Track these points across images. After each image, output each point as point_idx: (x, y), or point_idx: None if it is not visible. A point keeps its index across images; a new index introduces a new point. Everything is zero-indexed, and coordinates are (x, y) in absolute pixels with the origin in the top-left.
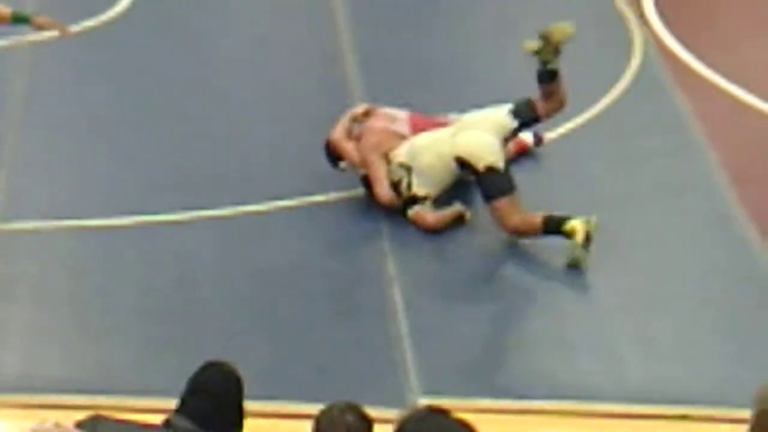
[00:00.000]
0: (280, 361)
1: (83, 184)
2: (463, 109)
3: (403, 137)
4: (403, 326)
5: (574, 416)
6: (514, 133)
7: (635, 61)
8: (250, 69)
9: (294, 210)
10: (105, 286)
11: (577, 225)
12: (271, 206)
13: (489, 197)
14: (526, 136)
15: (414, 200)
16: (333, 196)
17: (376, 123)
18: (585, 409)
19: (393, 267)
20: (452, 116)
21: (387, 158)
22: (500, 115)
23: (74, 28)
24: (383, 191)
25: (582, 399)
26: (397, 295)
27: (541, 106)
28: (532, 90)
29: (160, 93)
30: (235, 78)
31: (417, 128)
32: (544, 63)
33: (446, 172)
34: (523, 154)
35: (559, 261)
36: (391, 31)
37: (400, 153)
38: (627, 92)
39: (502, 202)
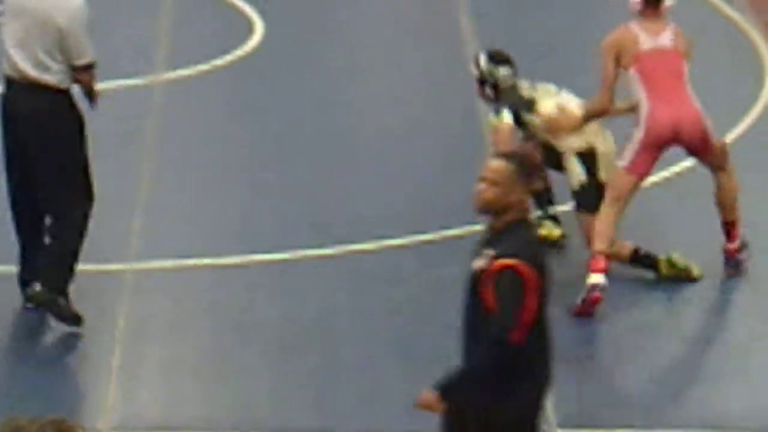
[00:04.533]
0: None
1: (218, 221)
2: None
3: None
4: None
5: None
6: None
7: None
8: (379, 104)
9: (431, 244)
10: (242, 323)
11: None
12: (410, 240)
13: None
14: None
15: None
16: (470, 229)
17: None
18: None
19: None
20: None
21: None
22: None
23: (206, 67)
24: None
25: (719, 429)
26: None
27: None
28: None
29: (293, 129)
30: (366, 113)
31: None
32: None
33: None
34: None
35: (682, 290)
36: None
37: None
38: (761, 119)
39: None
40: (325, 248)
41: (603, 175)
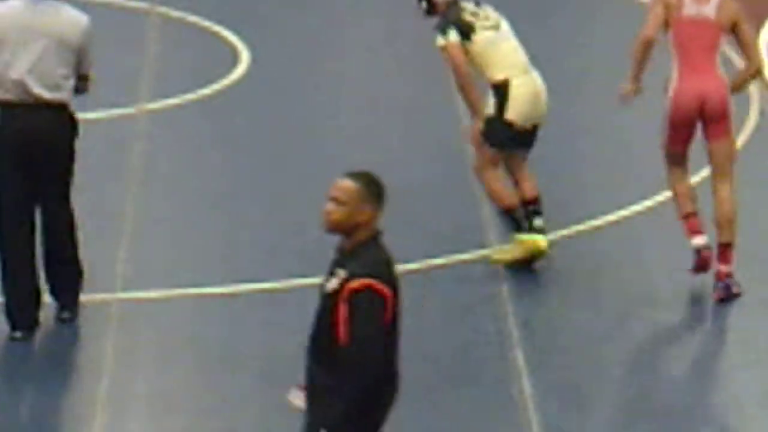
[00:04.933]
0: (401, 425)
1: (204, 251)
2: None
3: None
4: (527, 387)
5: None
6: None
7: (753, 114)
8: (365, 134)
9: (414, 273)
10: (227, 353)
11: (538, 245)
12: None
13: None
14: None
15: None
16: (453, 258)
17: None
18: None
19: (514, 329)
20: None
21: None
22: None
23: (191, 96)
24: None
25: None
26: (520, 357)
27: None
28: None
29: (279, 159)
30: (350, 142)
31: None
32: None
33: None
34: None
35: (682, 312)
36: None
37: None
38: (747, 146)
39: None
40: (308, 277)
41: (511, 114)
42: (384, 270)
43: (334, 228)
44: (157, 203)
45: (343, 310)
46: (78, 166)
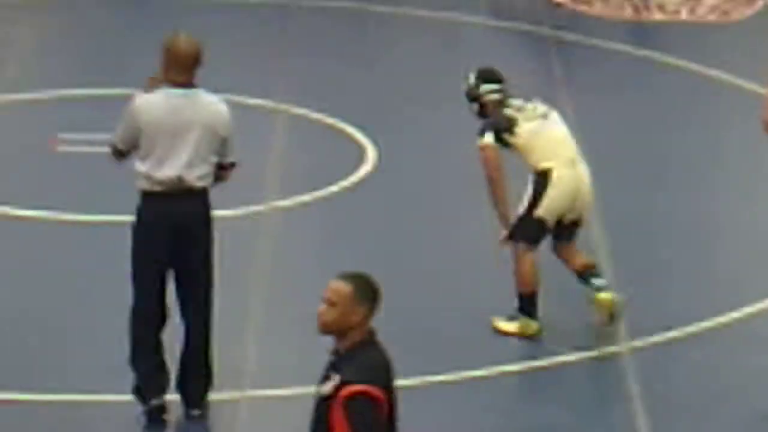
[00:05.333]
0: None
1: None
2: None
3: None
4: None
5: None
6: None
7: None
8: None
9: (544, 370)
10: None
11: (603, 300)
12: (525, 366)
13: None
14: None
15: None
16: (581, 355)
17: None
18: None
19: (645, 428)
20: None
21: None
22: None
23: (319, 193)
24: None
25: None
26: None
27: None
28: None
29: (403, 256)
30: (475, 238)
31: None
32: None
33: None
34: None
35: None
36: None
37: None
38: None
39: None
40: (438, 375)
41: (542, 210)
42: (379, 374)
43: (326, 330)
44: (285, 300)
45: (338, 416)
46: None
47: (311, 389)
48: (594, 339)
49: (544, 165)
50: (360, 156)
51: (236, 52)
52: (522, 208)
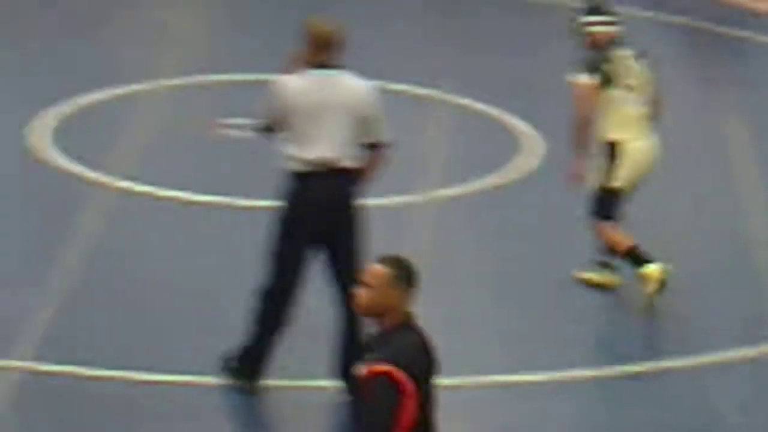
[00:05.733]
0: None
1: (490, 339)
2: None
3: None
4: None
5: None
6: None
7: None
8: (656, 221)
9: (708, 366)
10: None
11: (652, 272)
12: (688, 363)
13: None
14: None
15: None
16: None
17: None
18: None
19: None
20: None
21: None
22: None
23: (479, 184)
24: None
25: None
26: None
27: None
28: None
29: (564, 249)
30: (631, 229)
31: None
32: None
33: None
34: None
35: None
36: None
37: None
38: None
39: None
40: (588, 369)
41: (619, 181)
42: (412, 356)
43: (364, 312)
44: (444, 291)
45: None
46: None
47: (483, 379)
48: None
49: (615, 136)
50: (523, 147)
51: (401, 41)
52: (596, 181)
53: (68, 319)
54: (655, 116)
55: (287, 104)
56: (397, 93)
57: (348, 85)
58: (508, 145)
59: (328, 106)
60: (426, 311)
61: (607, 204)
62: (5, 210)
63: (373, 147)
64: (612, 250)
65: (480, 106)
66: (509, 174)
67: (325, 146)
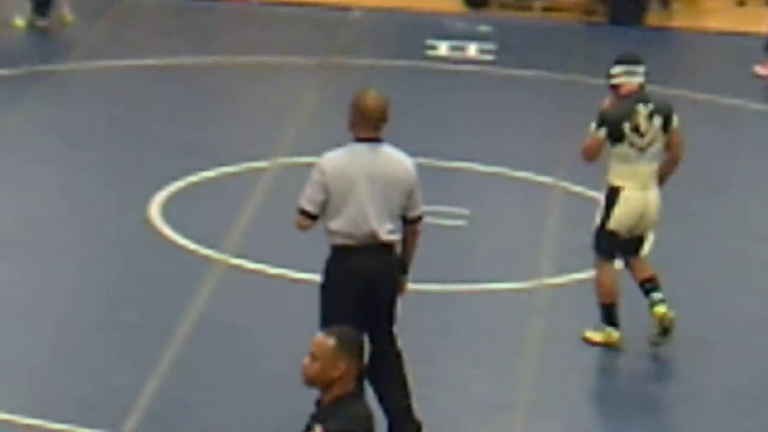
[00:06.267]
0: None
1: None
2: None
3: None
4: None
5: None
6: None
7: None
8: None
9: None
10: None
11: (658, 313)
12: None
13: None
14: None
15: None
16: None
17: None
18: None
19: None
20: None
21: None
22: None
23: (584, 276)
24: None
25: None
26: None
27: None
28: None
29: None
30: (736, 329)
31: None
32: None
33: None
34: None
35: None
36: None
37: None
38: None
39: None
40: None
41: (613, 224)
42: (359, 427)
43: (309, 382)
44: (555, 379)
45: None
46: (475, 338)
47: None
48: None
49: (617, 183)
50: None
51: (516, 125)
52: (597, 221)
53: (172, 392)
54: (667, 173)
55: (331, 179)
56: (517, 179)
57: (391, 159)
58: None
59: (372, 180)
60: (538, 399)
61: (602, 242)
62: (122, 282)
63: (411, 221)
64: (597, 288)
65: (592, 193)
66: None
67: (370, 220)
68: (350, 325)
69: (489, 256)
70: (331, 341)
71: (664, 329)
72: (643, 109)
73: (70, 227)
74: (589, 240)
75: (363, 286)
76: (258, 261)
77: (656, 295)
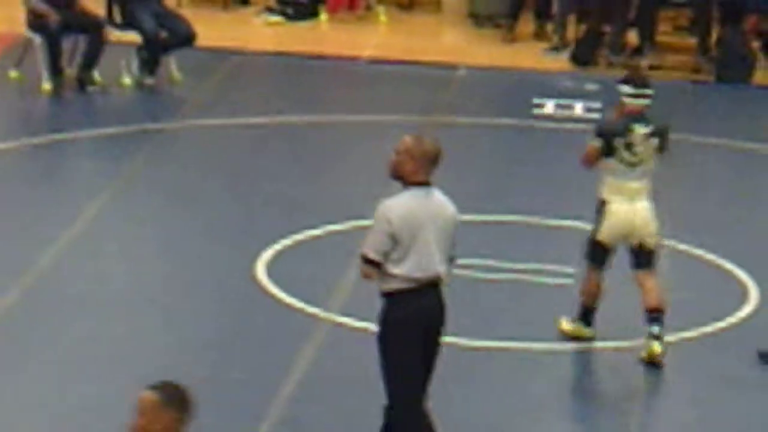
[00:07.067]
0: None
1: None
2: None
3: None
4: None
5: None
6: None
7: None
8: None
9: None
10: None
11: (649, 349)
12: None
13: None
14: None
15: None
16: None
17: None
18: None
19: None
20: None
21: None
22: None
23: (693, 333)
24: None
25: None
26: None
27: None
28: None
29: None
30: None
31: None
32: None
33: None
34: None
35: None
36: None
37: None
38: None
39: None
40: None
41: (602, 235)
42: None
43: None
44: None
45: None
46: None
47: None
48: None
49: (605, 195)
50: (742, 296)
51: None
52: (590, 229)
53: None
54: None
55: (395, 225)
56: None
57: (442, 201)
58: (725, 293)
59: (430, 224)
60: None
61: (591, 251)
62: (229, 339)
63: (450, 261)
64: (582, 289)
65: (698, 251)
66: (726, 323)
67: (434, 263)
68: (419, 369)
69: (597, 314)
70: (154, 395)
71: (651, 362)
72: (639, 129)
73: (177, 285)
74: (694, 296)
75: (425, 326)
76: (363, 319)
77: (654, 329)
